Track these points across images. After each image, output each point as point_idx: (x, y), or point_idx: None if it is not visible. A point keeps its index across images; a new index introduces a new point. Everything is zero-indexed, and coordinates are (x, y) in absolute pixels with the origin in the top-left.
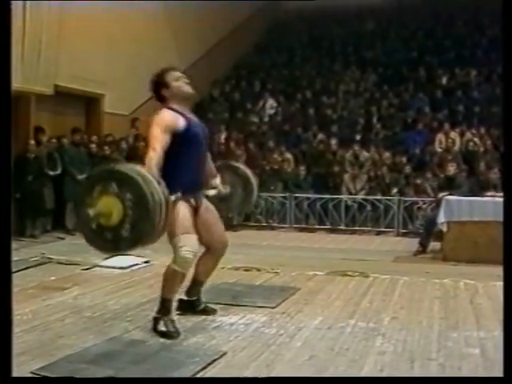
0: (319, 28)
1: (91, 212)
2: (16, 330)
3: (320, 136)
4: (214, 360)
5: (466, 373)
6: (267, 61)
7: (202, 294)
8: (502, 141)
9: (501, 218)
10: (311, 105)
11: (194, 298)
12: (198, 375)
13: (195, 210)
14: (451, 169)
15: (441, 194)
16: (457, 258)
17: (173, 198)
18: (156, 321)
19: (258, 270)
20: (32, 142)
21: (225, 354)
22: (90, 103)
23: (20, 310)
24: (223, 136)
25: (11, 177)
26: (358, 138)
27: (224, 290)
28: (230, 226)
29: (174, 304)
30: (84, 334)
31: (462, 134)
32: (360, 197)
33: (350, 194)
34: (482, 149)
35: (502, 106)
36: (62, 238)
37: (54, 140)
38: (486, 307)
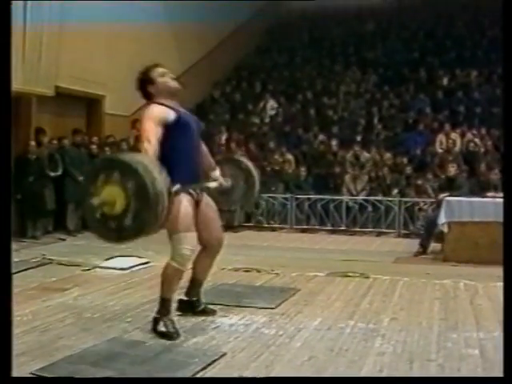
0: (320, 29)
1: (95, 201)
2: (16, 330)
3: (321, 137)
4: (214, 361)
5: (465, 373)
6: (268, 62)
7: (202, 295)
8: (502, 141)
9: (501, 219)
10: (312, 106)
11: (194, 299)
12: (198, 376)
13: (196, 204)
14: (452, 169)
15: (441, 195)
16: (457, 259)
17: (174, 189)
18: (156, 321)
19: (259, 271)
20: (33, 143)
21: (224, 354)
22: (90, 104)
23: (20, 311)
24: (224, 137)
25: (11, 178)
26: (358, 138)
27: (224, 290)
28: (230, 226)
29: (174, 305)
30: (84, 335)
31: (462, 135)
32: (361, 198)
33: (351, 194)
34: (482, 149)
35: (503, 106)
36: (63, 239)
37: (54, 141)
38: (486, 308)
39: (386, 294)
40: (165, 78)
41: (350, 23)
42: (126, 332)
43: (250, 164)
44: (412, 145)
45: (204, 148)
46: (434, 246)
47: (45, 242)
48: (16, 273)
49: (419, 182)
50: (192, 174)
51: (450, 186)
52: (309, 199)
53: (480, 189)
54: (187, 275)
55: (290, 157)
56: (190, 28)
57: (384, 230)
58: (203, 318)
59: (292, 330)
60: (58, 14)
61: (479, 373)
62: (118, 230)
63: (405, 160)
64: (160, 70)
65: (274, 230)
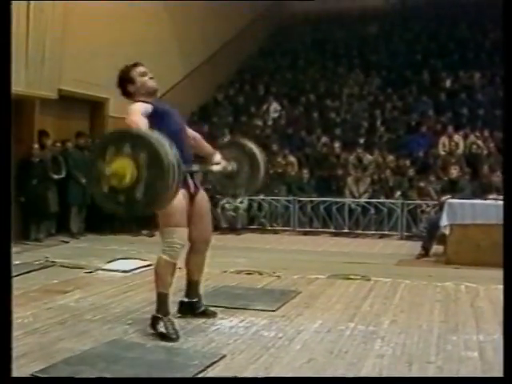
0: (323, 31)
1: (107, 171)
2: (17, 332)
3: (324, 139)
4: (213, 363)
5: (464, 376)
6: (271, 64)
7: (203, 297)
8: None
9: None
10: (315, 108)
11: (195, 300)
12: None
13: (192, 197)
14: (454, 172)
15: (443, 197)
16: (459, 261)
17: (193, 168)
18: (155, 321)
19: (260, 273)
20: (36, 145)
21: (224, 356)
22: (94, 107)
23: (21, 313)
24: (227, 139)
25: (11, 179)
26: (361, 141)
27: (225, 293)
28: (233, 229)
29: (175, 307)
30: (84, 337)
31: (465, 137)
32: (363, 200)
33: (354, 197)
34: (485, 152)
35: (503, 108)
36: (66, 242)
37: (58, 144)
38: (486, 310)
39: (387, 297)
40: (144, 77)
41: (353, 26)
42: (127, 334)
43: (254, 147)
44: (415, 147)
45: (196, 134)
46: (437, 248)
47: (48, 244)
48: (18, 275)
49: (422, 184)
50: (182, 153)
51: (453, 188)
52: (311, 202)
53: (482, 191)
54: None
55: (292, 159)
56: (193, 31)
57: (387, 233)
58: (203, 320)
59: (292, 332)
60: (60, 17)
61: (478, 375)
62: (128, 203)
63: (407, 162)
64: (140, 69)
65: (276, 232)
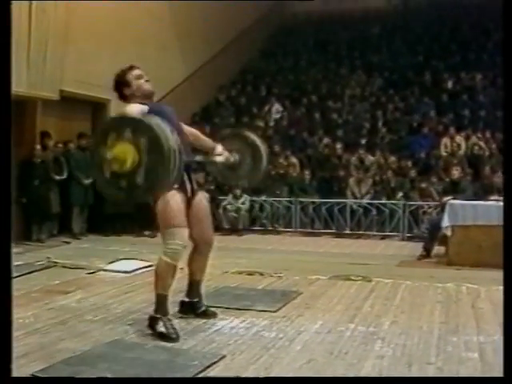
0: (325, 32)
1: (108, 155)
2: (18, 332)
3: (325, 140)
4: (213, 363)
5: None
6: (273, 65)
7: (204, 298)
8: (503, 144)
9: None
10: (317, 109)
11: (195, 300)
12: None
13: (190, 199)
14: (455, 173)
15: (445, 198)
16: (461, 263)
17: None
18: (154, 321)
19: (261, 274)
20: (38, 146)
21: (224, 357)
22: (96, 108)
23: (22, 313)
24: (229, 131)
25: (11, 180)
26: (363, 142)
27: (226, 293)
28: (235, 230)
29: (176, 308)
30: (85, 337)
31: (467, 138)
32: (365, 201)
33: (356, 198)
34: (487, 153)
35: (503, 108)
36: (68, 242)
37: (60, 145)
38: (487, 312)
39: (388, 298)
40: (140, 80)
41: (356, 27)
42: (127, 334)
43: (257, 139)
44: (417, 148)
45: (193, 130)
46: (438, 249)
47: (50, 245)
48: (20, 276)
49: (424, 185)
50: None
51: (454, 189)
52: (313, 202)
53: (484, 192)
54: (185, 275)
55: (294, 160)
56: (196, 31)
57: (388, 234)
58: (204, 320)
59: (292, 333)
60: (62, 18)
61: (478, 375)
62: (129, 188)
63: (409, 163)
64: (135, 72)
65: (278, 233)
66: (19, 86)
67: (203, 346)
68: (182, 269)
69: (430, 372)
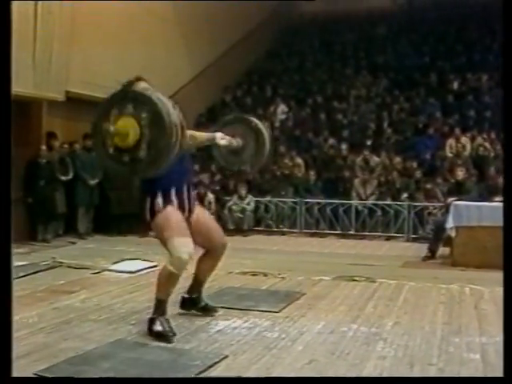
0: (330, 33)
1: (109, 133)
2: (22, 332)
3: (331, 141)
4: (215, 363)
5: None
6: (279, 66)
7: (209, 299)
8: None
9: None
10: (322, 110)
11: (195, 296)
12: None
13: (187, 218)
14: (460, 174)
15: (449, 199)
16: (466, 263)
17: (160, 201)
18: (152, 321)
19: (265, 274)
20: (44, 147)
21: (226, 357)
22: None
23: (27, 313)
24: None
25: (10, 181)
26: (368, 142)
27: (229, 294)
28: (240, 230)
29: (177, 306)
30: (88, 337)
31: (472, 139)
32: (370, 202)
33: (361, 199)
34: (492, 154)
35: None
36: (74, 243)
37: (65, 145)
38: (490, 313)
39: (391, 298)
40: None
41: (361, 27)
42: (130, 334)
43: (260, 123)
44: (422, 149)
45: (189, 132)
46: (443, 250)
47: (55, 245)
48: (26, 275)
49: (429, 186)
50: (177, 178)
51: (459, 190)
52: (318, 203)
53: (489, 193)
54: (189, 275)
55: (299, 161)
56: (202, 32)
57: (393, 235)
58: (207, 320)
59: (295, 333)
60: (68, 19)
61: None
62: (132, 162)
63: (414, 164)
64: (141, 85)
65: (283, 234)
66: (25, 86)
67: (205, 346)
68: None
69: (432, 373)
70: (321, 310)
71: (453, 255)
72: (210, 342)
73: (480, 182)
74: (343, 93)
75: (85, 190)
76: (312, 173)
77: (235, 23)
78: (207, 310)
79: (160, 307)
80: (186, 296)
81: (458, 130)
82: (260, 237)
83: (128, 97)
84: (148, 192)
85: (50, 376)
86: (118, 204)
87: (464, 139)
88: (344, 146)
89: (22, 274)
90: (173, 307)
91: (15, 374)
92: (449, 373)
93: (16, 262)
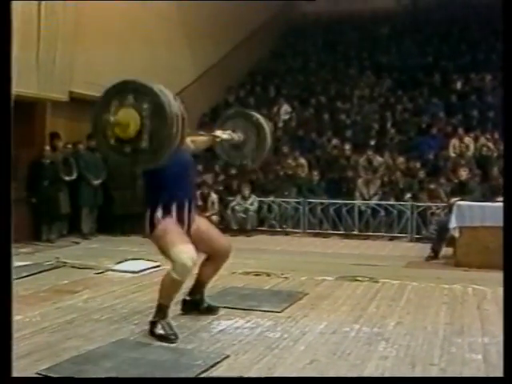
0: (334, 33)
1: (110, 124)
2: (25, 331)
3: (334, 141)
4: (217, 363)
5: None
6: (282, 66)
7: (212, 299)
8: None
9: None
10: (326, 110)
11: (197, 297)
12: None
13: (187, 231)
14: (463, 174)
15: (452, 200)
16: (469, 264)
17: (159, 215)
18: (153, 325)
19: (268, 274)
20: (48, 147)
21: (227, 357)
22: None
23: (30, 313)
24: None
25: (10, 181)
26: (372, 143)
27: (232, 293)
28: (243, 231)
29: (178, 307)
30: (91, 337)
31: (476, 139)
32: (373, 202)
33: (364, 199)
34: (495, 154)
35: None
36: (77, 243)
37: (69, 146)
38: (492, 313)
39: (394, 299)
40: None
41: (365, 27)
42: (133, 334)
43: (261, 118)
44: (425, 149)
45: (191, 138)
46: (446, 250)
47: (59, 245)
48: (29, 275)
49: (432, 186)
50: (180, 194)
51: (462, 190)
52: (321, 203)
53: (492, 193)
54: (191, 276)
55: (303, 161)
56: (205, 32)
57: (396, 235)
58: (209, 320)
59: (297, 333)
60: (71, 19)
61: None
62: (134, 153)
63: (418, 164)
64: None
65: (286, 234)
66: (29, 87)
67: (207, 345)
68: None
69: (434, 373)
70: (323, 310)
71: (456, 255)
72: (211, 342)
73: (483, 182)
74: (347, 93)
75: (88, 191)
76: (315, 173)
77: (239, 23)
78: (210, 311)
79: (161, 311)
80: (188, 298)
81: (461, 130)
82: (263, 237)
83: (129, 88)
84: (149, 203)
85: (53, 375)
86: (122, 204)
87: (467, 139)
88: (347, 146)
89: (25, 274)
90: (174, 307)
91: (18, 373)
92: (451, 373)
93: (20, 262)
